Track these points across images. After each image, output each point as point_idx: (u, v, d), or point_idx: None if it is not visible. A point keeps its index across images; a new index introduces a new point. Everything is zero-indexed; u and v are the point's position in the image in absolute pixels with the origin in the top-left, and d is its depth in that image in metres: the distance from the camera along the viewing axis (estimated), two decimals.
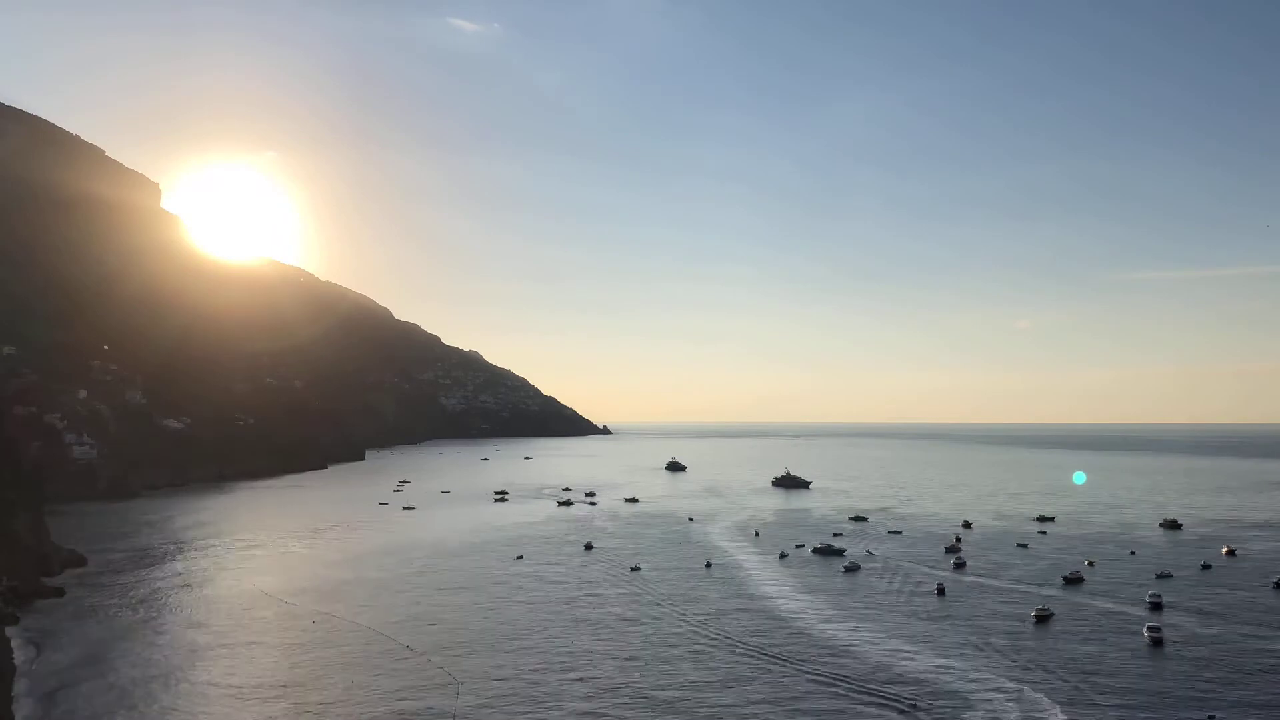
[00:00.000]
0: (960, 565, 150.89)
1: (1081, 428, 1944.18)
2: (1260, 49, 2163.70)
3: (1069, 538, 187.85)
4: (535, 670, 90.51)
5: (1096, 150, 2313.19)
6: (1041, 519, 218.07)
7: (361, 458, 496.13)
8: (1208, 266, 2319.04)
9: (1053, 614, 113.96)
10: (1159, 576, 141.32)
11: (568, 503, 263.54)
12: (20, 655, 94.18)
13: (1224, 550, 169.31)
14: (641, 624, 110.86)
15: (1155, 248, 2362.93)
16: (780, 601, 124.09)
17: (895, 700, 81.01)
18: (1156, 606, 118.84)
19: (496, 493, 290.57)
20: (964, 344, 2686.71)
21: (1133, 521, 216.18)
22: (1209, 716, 77.52)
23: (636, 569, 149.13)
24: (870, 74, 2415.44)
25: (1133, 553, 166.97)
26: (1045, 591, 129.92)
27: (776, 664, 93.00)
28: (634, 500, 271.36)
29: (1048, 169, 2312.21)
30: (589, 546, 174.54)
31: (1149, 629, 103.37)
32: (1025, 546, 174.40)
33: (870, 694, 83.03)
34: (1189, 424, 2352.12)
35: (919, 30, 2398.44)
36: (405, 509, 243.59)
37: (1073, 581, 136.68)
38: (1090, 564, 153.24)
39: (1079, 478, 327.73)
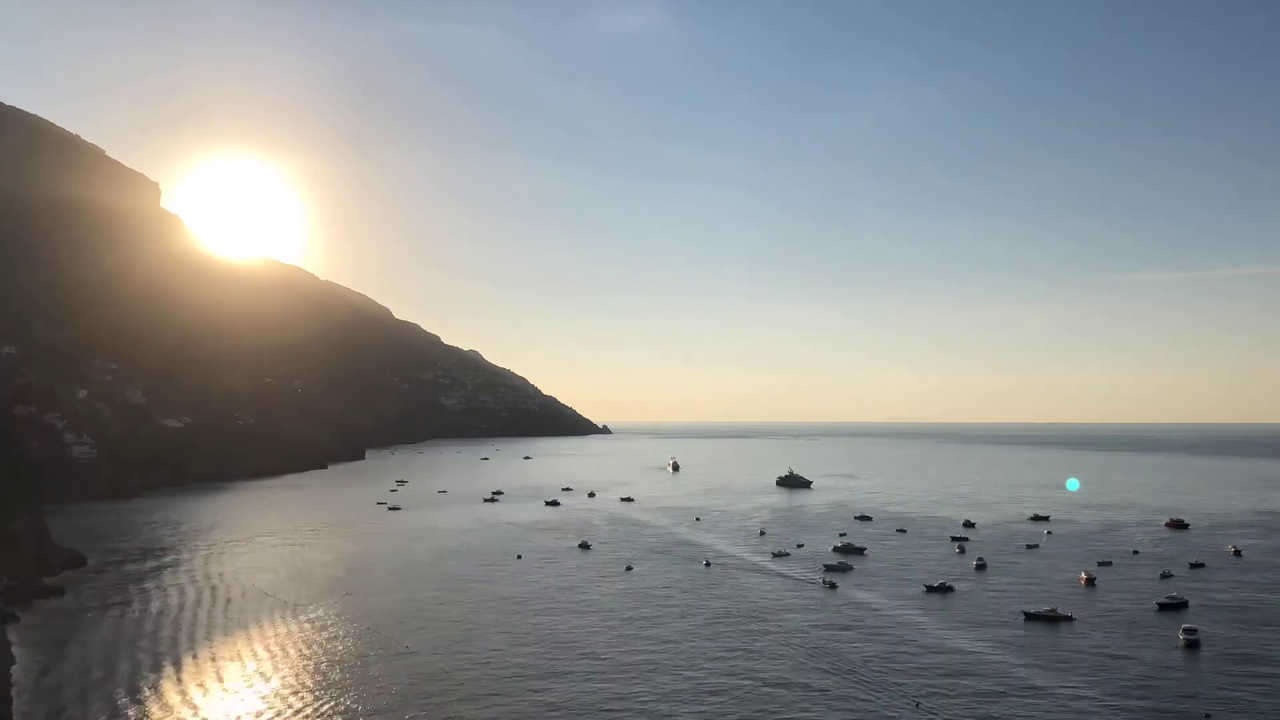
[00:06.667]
0: (982, 566, 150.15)
1: (1081, 428, 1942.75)
2: (1252, 55, 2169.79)
3: (1075, 537, 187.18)
4: (533, 669, 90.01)
5: (1096, 155, 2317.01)
6: (1044, 519, 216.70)
7: (361, 457, 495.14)
8: (1203, 268, 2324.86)
9: (1073, 617, 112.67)
10: (1164, 576, 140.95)
11: (555, 503, 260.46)
12: (20, 654, 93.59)
13: (1230, 550, 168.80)
14: (639, 624, 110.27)
15: (1152, 249, 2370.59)
16: (785, 602, 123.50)
17: (902, 699, 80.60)
18: (1176, 606, 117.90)
19: (493, 492, 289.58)
20: (962, 344, 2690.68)
21: (1137, 521, 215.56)
22: (1205, 716, 76.90)
23: (630, 568, 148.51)
24: (865, 81, 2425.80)
25: (1135, 552, 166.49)
26: (1063, 592, 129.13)
27: (783, 663, 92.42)
28: (630, 500, 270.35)
29: (1047, 172, 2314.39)
30: (587, 546, 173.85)
31: (1184, 631, 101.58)
32: (1035, 547, 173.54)
33: (878, 694, 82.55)
34: (1188, 424, 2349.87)
35: (913, 39, 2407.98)
36: (402, 510, 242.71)
37: (1089, 582, 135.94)
38: (1109, 564, 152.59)
39: (1072, 484, 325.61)
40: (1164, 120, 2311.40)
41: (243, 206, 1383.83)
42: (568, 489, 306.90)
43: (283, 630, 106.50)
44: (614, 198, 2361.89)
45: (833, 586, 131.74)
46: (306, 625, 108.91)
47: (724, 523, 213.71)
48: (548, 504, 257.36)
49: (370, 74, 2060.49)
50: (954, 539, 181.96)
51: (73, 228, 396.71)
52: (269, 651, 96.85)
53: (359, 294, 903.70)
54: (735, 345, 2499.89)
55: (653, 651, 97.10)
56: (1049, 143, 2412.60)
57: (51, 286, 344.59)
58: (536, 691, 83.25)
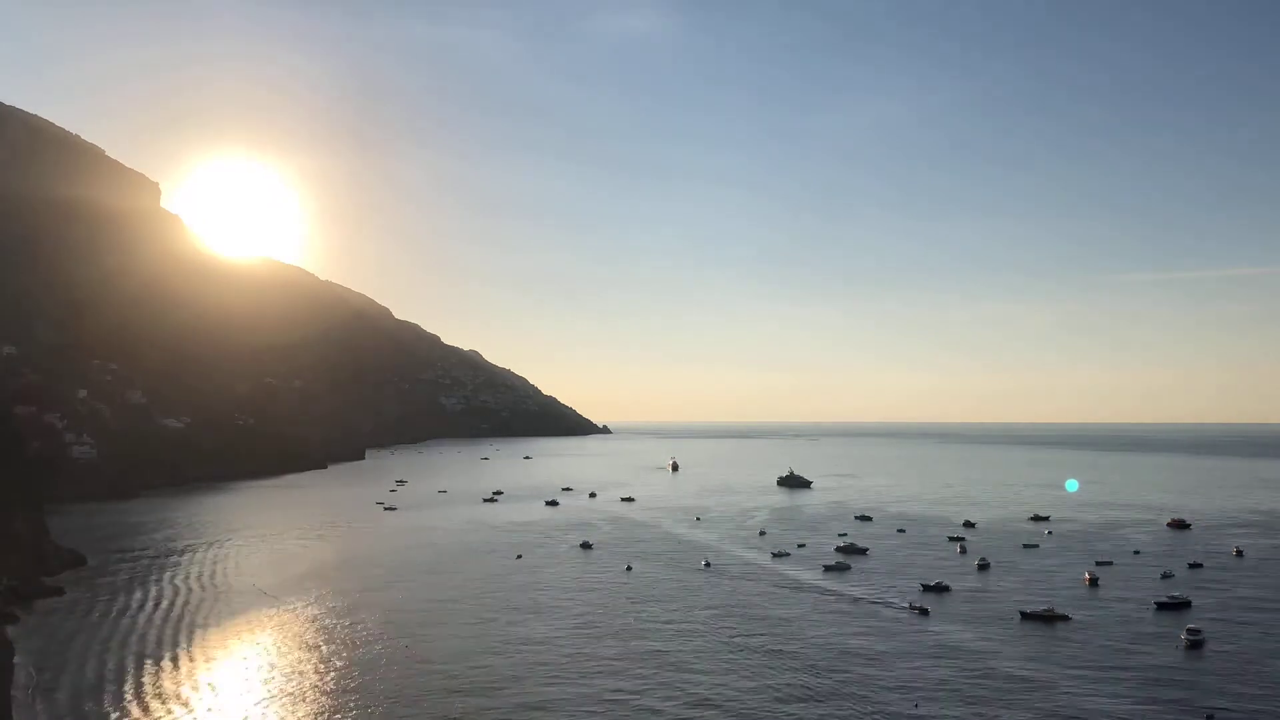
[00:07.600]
0: (984, 566, 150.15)
1: (1081, 428, 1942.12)
2: (1251, 58, 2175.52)
3: (1075, 537, 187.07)
4: (533, 669, 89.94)
5: (1096, 155, 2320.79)
6: (1043, 519, 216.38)
7: (361, 457, 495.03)
8: (1203, 268, 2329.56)
9: (1069, 617, 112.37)
10: (1165, 576, 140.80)
11: (555, 503, 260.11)
12: (20, 654, 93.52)
13: (1232, 550, 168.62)
14: (639, 623, 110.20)
15: (1152, 250, 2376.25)
16: (785, 602, 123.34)
17: (900, 699, 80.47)
18: (1178, 606, 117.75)
19: (494, 492, 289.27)
20: (962, 344, 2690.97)
21: (1137, 521, 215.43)
22: (1207, 716, 76.78)
23: (630, 569, 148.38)
24: (865, 82, 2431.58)
25: (1136, 552, 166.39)
26: (1065, 592, 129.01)
27: (782, 663, 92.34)
28: (631, 500, 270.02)
29: (1047, 172, 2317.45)
30: (587, 546, 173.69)
31: (1188, 631, 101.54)
32: (1035, 547, 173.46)
33: (877, 694, 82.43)
34: (1188, 424, 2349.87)
35: (914, 40, 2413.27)
36: (402, 510, 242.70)
37: (1093, 582, 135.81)
38: (1110, 563, 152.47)
39: (1071, 485, 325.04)
40: (1164, 121, 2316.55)
41: (243, 206, 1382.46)
42: (568, 489, 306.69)
43: (281, 630, 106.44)
44: (614, 198, 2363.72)
45: (924, 612, 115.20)
46: (305, 625, 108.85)
47: (724, 523, 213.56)
48: (548, 504, 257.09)
49: (370, 74, 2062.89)
50: (953, 539, 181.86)
51: (73, 228, 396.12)
52: (267, 652, 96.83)
53: (359, 294, 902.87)
54: (735, 345, 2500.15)
55: (652, 651, 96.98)
56: (1049, 143, 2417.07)
57: (51, 286, 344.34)
58: (537, 691, 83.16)
